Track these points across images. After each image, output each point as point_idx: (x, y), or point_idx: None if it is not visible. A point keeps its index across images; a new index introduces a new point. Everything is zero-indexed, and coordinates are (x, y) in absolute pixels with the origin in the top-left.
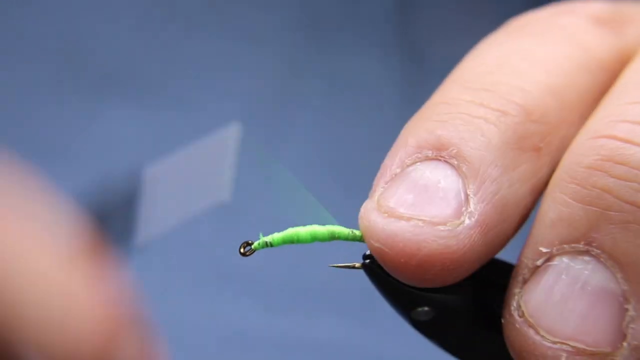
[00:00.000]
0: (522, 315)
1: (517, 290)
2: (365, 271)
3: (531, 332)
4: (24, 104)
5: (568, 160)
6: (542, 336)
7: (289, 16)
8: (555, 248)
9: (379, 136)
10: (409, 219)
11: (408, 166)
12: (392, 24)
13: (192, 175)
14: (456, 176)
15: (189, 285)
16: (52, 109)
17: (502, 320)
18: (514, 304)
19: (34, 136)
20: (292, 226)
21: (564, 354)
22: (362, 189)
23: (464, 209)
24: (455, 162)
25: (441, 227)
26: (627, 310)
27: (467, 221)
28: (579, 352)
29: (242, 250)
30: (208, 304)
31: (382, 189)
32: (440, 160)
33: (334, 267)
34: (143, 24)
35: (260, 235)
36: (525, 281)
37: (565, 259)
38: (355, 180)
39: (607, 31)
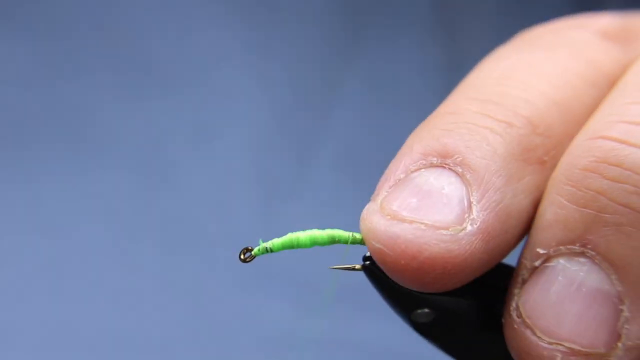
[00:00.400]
0: (520, 316)
1: (516, 291)
2: (365, 272)
3: (528, 332)
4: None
5: (565, 162)
6: (539, 337)
7: (327, 9)
8: (552, 249)
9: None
10: (411, 222)
11: (412, 172)
12: (432, 16)
13: None
14: (460, 183)
15: (228, 284)
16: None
17: (502, 321)
18: (513, 304)
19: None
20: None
21: (559, 355)
22: None
23: (466, 215)
24: (460, 170)
25: (444, 232)
26: (621, 311)
27: (469, 227)
28: (574, 352)
29: (242, 256)
30: (246, 304)
31: (385, 193)
32: (445, 167)
33: (335, 269)
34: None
35: (260, 241)
36: (524, 282)
37: (561, 261)
38: None
39: (615, 46)
